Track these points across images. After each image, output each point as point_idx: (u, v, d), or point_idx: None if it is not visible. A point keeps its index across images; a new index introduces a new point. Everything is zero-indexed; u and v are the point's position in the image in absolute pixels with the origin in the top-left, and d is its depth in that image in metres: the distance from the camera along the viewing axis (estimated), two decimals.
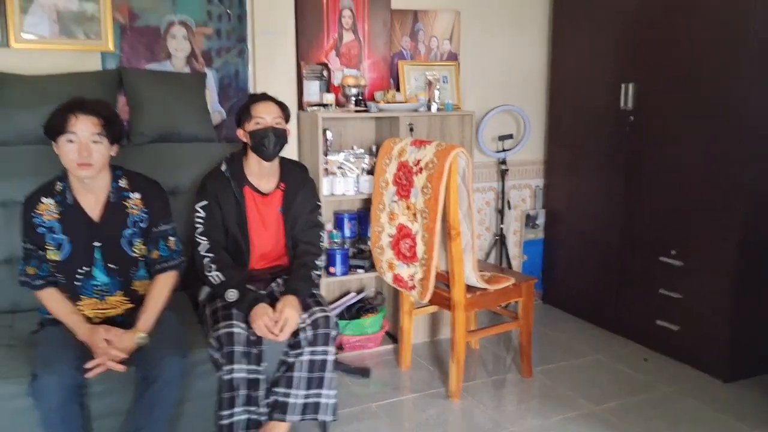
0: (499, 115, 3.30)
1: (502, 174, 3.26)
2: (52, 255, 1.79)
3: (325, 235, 2.20)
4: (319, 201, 2.20)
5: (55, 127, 1.73)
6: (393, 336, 2.91)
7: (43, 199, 1.80)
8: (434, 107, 2.84)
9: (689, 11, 2.58)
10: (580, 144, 3.22)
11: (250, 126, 2.02)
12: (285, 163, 2.16)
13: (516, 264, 3.49)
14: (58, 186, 1.82)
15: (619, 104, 2.90)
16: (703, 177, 2.57)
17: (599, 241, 3.12)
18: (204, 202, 2.02)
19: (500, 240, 3.29)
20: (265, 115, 2.01)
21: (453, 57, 3.15)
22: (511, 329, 2.75)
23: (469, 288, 2.39)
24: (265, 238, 2.10)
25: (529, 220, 3.48)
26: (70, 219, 1.80)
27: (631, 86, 2.84)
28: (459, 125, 2.94)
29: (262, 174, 2.09)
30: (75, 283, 1.81)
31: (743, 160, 2.44)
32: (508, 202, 3.35)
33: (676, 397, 2.45)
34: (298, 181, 2.14)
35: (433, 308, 2.75)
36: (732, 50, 2.43)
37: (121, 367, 1.68)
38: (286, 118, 2.09)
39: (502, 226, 3.29)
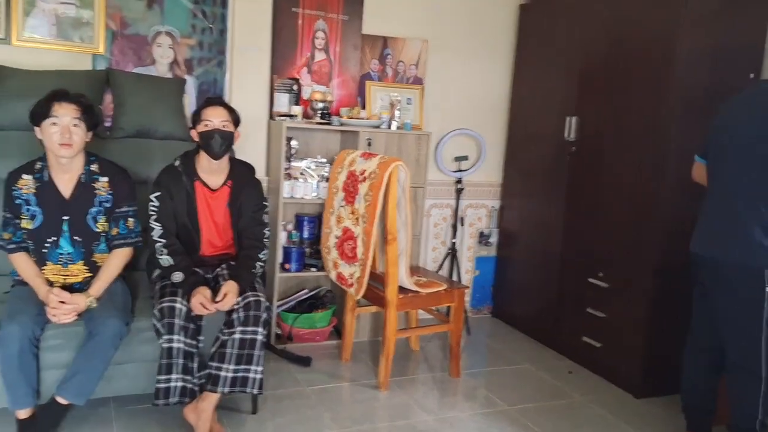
0: (462, 137, 3.57)
1: (458, 192, 3.51)
2: (26, 224, 2.06)
3: (269, 233, 2.39)
4: (266, 201, 2.41)
5: (41, 112, 2.00)
6: (340, 332, 3.14)
7: (24, 176, 2.08)
8: (394, 125, 3.12)
9: (625, 55, 2.84)
10: (531, 170, 3.48)
11: (200, 127, 2.25)
12: (234, 162, 2.39)
13: (468, 278, 3.72)
14: (38, 165, 2.09)
15: (563, 135, 3.17)
16: (626, 207, 2.81)
17: (542, 261, 3.35)
18: (157, 193, 2.25)
19: (452, 254, 3.53)
20: (213, 119, 2.24)
21: (418, 81, 3.44)
22: (441, 331, 2.97)
23: (403, 290, 2.64)
24: (214, 229, 2.34)
25: (483, 238, 3.72)
26: (44, 194, 2.07)
27: (574, 119, 3.11)
28: (416, 144, 3.21)
29: (211, 171, 2.31)
30: (43, 250, 2.07)
31: (661, 197, 2.65)
32: (461, 219, 3.59)
33: (587, 405, 2.66)
34: (244, 180, 2.37)
35: (375, 308, 2.99)
36: (658, 98, 2.66)
37: (70, 318, 1.96)
38: (235, 121, 2.31)
39: (454, 240, 3.53)
